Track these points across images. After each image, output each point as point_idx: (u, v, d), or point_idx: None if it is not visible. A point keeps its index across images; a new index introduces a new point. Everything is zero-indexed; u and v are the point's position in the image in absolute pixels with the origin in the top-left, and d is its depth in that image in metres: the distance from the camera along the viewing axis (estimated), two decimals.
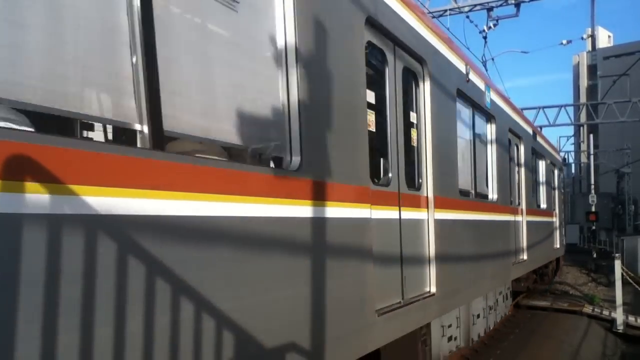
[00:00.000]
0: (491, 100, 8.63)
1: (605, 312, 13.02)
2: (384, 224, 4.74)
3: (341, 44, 4.06)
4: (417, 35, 5.52)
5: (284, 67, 3.48)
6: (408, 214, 5.25)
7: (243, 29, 3.33)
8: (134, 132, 2.59)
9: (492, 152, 8.78)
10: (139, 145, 2.56)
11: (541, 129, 25.68)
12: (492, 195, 8.76)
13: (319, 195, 3.65)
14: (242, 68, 3.31)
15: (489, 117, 8.72)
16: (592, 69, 66.48)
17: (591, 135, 35.89)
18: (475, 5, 16.96)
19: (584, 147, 58.37)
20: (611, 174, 47.36)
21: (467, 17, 16.74)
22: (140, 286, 2.36)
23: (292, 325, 3.37)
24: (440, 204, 5.93)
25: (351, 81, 4.18)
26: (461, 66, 7.06)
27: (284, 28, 3.48)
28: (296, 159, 3.44)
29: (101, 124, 3.82)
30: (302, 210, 3.47)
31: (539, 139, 13.31)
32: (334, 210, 3.84)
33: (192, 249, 2.61)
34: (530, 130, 12.24)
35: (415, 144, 5.60)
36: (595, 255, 25.43)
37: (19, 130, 2.11)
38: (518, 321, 11.75)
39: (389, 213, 4.90)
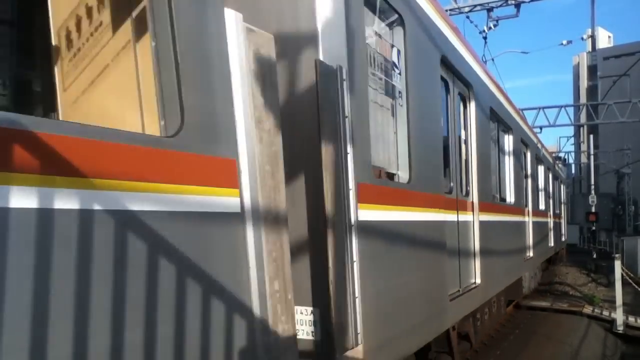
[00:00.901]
0: (542, 153, 15.57)
1: (605, 313, 13.00)
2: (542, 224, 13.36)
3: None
4: (530, 138, 12.68)
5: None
6: (546, 219, 13.95)
7: None
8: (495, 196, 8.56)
9: (544, 182, 15.46)
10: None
11: (541, 129, 25.77)
12: (543, 207, 15.35)
13: (519, 213, 10.24)
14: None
15: (540, 162, 14.95)
16: (592, 70, 66.47)
17: (591, 136, 35.91)
18: (475, 6, 16.94)
19: (584, 147, 58.37)
20: (611, 174, 47.31)
21: (467, 17, 16.74)
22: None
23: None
24: (534, 213, 12.51)
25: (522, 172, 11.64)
26: (536, 140, 13.82)
27: None
28: (511, 200, 9.27)
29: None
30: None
31: (556, 166, 21.25)
32: (529, 220, 11.68)
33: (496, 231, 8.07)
34: (551, 161, 19.63)
35: (538, 190, 12.24)
36: (595, 256, 25.35)
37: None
38: (518, 321, 11.75)
39: (543, 219, 13.40)
